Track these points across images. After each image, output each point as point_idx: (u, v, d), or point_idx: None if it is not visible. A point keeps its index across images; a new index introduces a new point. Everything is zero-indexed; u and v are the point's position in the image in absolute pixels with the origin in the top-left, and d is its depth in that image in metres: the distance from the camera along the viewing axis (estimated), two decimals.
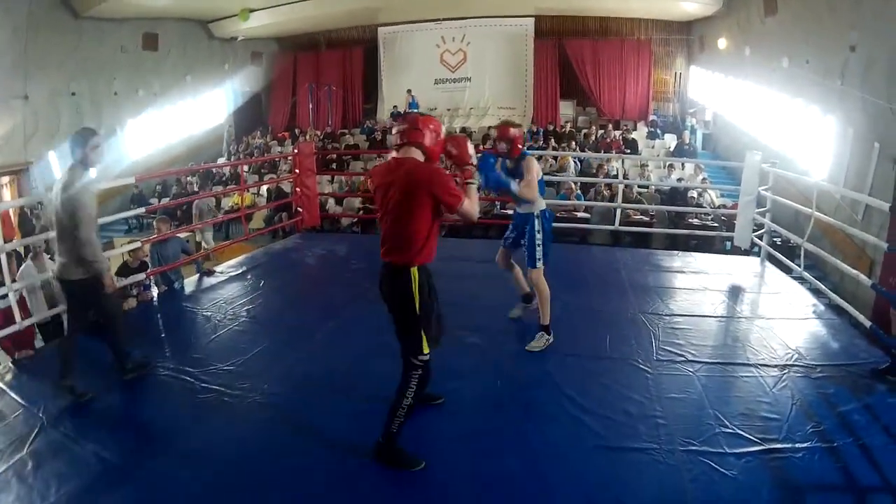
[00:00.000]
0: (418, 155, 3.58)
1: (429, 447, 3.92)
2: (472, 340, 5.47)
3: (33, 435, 4.19)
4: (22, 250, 8.25)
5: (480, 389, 4.72)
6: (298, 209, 9.80)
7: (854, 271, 6.19)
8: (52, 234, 4.69)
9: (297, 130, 21.83)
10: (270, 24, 20.06)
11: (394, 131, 3.68)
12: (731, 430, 4.19)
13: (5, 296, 5.50)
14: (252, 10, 19.01)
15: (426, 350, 3.61)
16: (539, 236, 5.28)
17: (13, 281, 5.75)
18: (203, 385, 4.76)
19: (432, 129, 3.62)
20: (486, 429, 4.21)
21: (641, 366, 5.16)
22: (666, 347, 5.51)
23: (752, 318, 6.37)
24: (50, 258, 6.26)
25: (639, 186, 12.99)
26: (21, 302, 5.81)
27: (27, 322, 5.63)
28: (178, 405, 4.53)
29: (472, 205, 3.59)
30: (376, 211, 3.69)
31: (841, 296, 6.46)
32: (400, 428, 3.67)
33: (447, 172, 3.69)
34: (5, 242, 8.83)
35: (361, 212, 13.57)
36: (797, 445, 4.03)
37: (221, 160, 19.92)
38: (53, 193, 4.46)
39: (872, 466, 3.85)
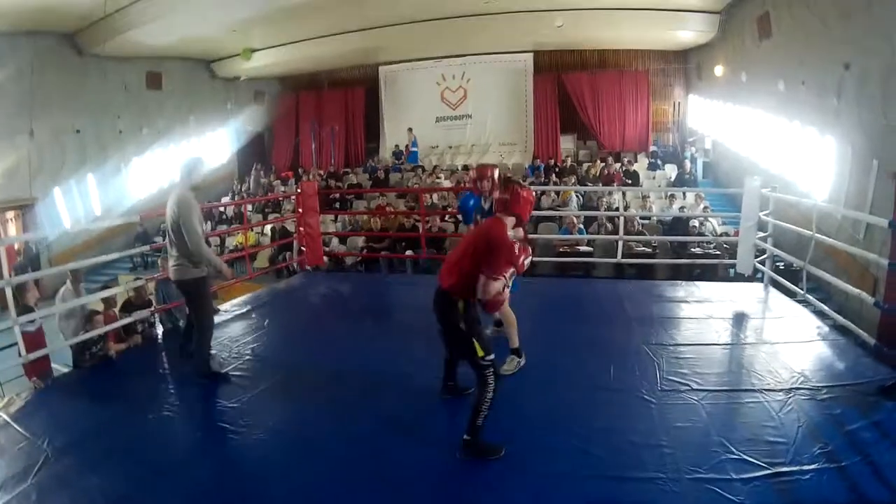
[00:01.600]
0: (510, 222, 4.35)
1: (430, 480, 4.05)
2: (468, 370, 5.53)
3: (37, 467, 4.28)
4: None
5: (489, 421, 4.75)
6: (302, 248, 9.93)
7: (857, 290, 6.26)
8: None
9: (300, 170, 22.06)
10: (272, 63, 20.39)
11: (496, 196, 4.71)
12: (737, 456, 4.21)
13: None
14: (254, 50, 19.38)
15: (480, 354, 4.22)
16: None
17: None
18: (208, 422, 4.91)
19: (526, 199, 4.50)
20: (490, 459, 4.28)
21: (646, 396, 5.20)
22: (670, 377, 5.54)
23: (757, 343, 6.41)
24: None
25: (641, 218, 13.03)
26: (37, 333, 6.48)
27: (43, 351, 6.10)
28: (183, 441, 4.66)
29: (489, 287, 4.13)
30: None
31: (847, 316, 6.47)
32: (483, 423, 4.22)
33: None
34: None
35: (365, 251, 13.67)
36: (804, 468, 4.05)
37: (226, 199, 20.12)
38: (168, 209, 5.47)
39: (882, 483, 3.87)
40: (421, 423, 4.86)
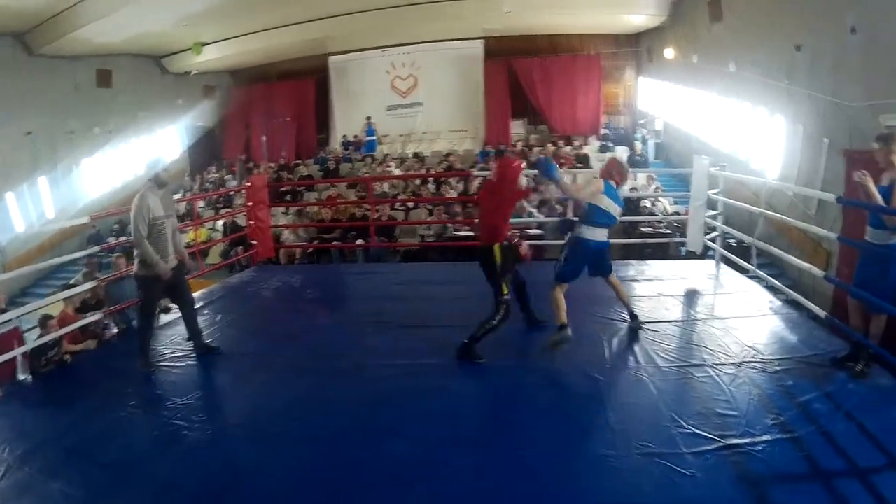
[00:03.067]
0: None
1: (388, 471, 4.00)
2: (424, 360, 5.61)
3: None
4: None
5: (439, 407, 4.79)
6: (253, 242, 9.87)
7: (806, 265, 6.31)
8: None
9: (251, 163, 21.77)
10: (222, 57, 20.18)
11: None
12: (688, 430, 4.20)
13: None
14: (204, 44, 19.09)
15: (504, 292, 5.49)
16: (561, 255, 5.96)
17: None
18: (164, 420, 4.82)
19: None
20: (444, 445, 4.26)
21: (595, 374, 5.18)
22: (619, 354, 5.57)
23: (707, 319, 6.42)
24: None
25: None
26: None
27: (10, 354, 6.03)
28: (140, 441, 4.58)
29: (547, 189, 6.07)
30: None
31: (801, 290, 6.53)
32: (482, 338, 5.45)
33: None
34: None
35: (316, 241, 13.49)
36: (757, 439, 4.05)
37: (177, 196, 19.63)
38: None
39: (836, 452, 3.88)
40: (378, 412, 4.80)
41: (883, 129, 5.90)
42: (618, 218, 5.93)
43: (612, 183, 5.89)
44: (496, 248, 5.51)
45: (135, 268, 5.85)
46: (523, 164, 5.98)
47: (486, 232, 5.64)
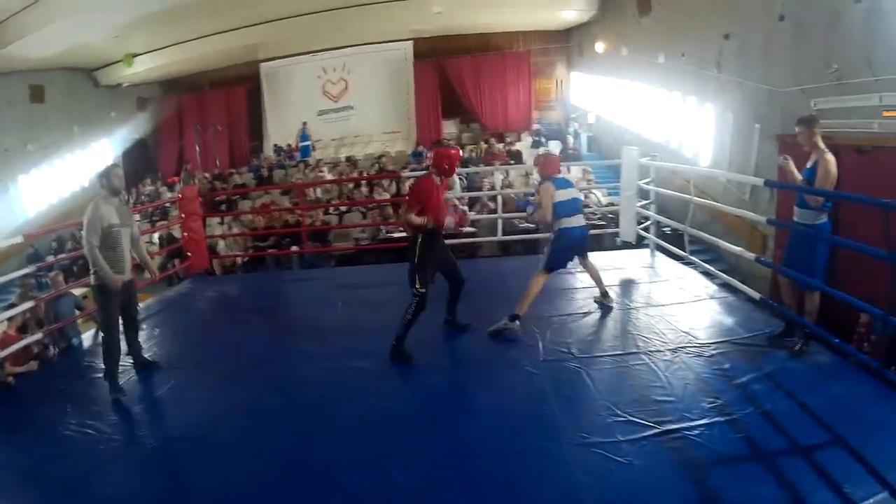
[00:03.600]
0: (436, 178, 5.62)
1: (316, 465, 4.03)
2: (360, 364, 5.53)
3: None
4: None
5: (375, 409, 4.75)
6: (188, 254, 9.68)
7: (738, 248, 6.34)
8: None
9: (188, 168, 21.10)
10: (154, 68, 19.78)
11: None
12: (623, 418, 4.16)
13: None
14: (135, 55, 18.66)
15: (416, 285, 5.43)
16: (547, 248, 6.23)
17: None
18: (105, 436, 4.72)
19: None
20: (373, 445, 4.24)
21: (528, 367, 5.15)
22: (553, 347, 5.49)
23: (642, 307, 6.40)
24: None
25: (524, 195, 12.94)
26: None
27: None
28: (82, 459, 4.47)
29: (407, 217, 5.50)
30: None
31: (739, 274, 6.60)
32: (404, 334, 5.45)
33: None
34: None
35: (251, 250, 13.30)
36: (694, 423, 4.01)
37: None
38: None
39: (777, 432, 3.87)
40: (316, 417, 4.74)
41: (805, 113, 5.93)
42: (581, 196, 6.49)
43: (556, 175, 6.18)
44: (418, 241, 5.52)
45: (91, 279, 5.61)
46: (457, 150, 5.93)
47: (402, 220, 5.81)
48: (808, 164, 4.95)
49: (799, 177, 5.00)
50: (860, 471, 3.37)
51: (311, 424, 4.61)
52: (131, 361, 5.91)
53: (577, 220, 6.10)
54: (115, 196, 5.71)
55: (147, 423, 5.01)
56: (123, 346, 5.75)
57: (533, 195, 6.54)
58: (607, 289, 6.50)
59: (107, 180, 5.66)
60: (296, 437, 4.42)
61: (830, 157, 4.84)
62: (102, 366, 5.58)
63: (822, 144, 4.92)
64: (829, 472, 3.37)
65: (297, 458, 4.15)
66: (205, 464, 4.21)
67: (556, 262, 6.12)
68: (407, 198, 5.78)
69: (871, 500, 3.16)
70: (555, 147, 18.04)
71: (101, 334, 5.81)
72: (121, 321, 5.72)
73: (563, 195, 6.02)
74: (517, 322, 5.78)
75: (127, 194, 20.07)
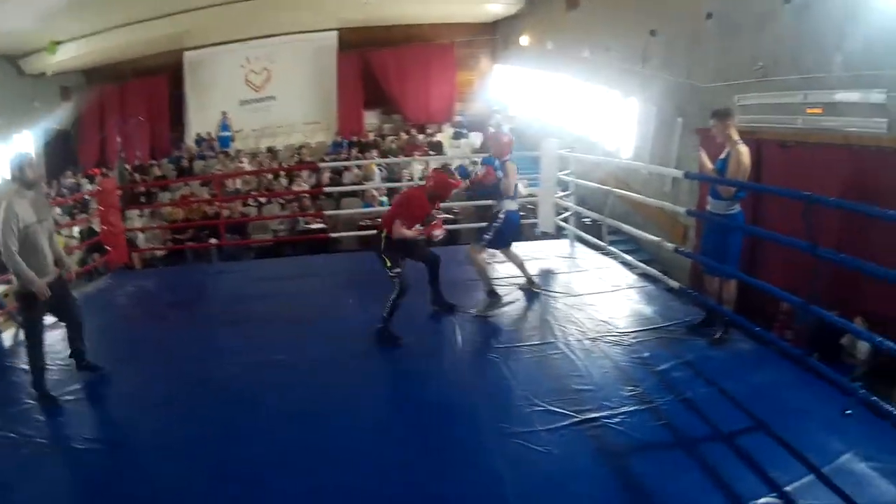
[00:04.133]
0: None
1: (248, 463, 3.89)
2: (279, 358, 5.40)
3: None
4: None
5: (285, 403, 4.65)
6: (107, 248, 9.36)
7: (656, 238, 6.44)
8: None
9: (104, 168, 20.27)
10: (78, 56, 19.01)
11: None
12: (542, 408, 4.10)
13: None
14: (59, 43, 17.91)
15: (388, 265, 5.54)
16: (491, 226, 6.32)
17: None
18: (26, 438, 4.49)
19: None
20: (289, 439, 4.15)
21: (445, 360, 5.12)
22: (470, 338, 5.45)
23: (561, 297, 6.33)
24: None
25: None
26: None
27: None
28: (2, 463, 4.28)
29: (398, 228, 5.56)
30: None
31: (660, 264, 6.67)
32: (389, 315, 5.47)
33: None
34: None
35: (170, 243, 12.90)
36: (614, 411, 3.98)
37: None
38: None
39: (698, 418, 3.86)
40: (235, 412, 4.59)
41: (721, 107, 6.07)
42: None
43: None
44: (383, 234, 5.67)
45: (14, 284, 5.12)
46: (459, 182, 6.26)
47: (385, 221, 5.79)
48: (721, 156, 5.03)
49: (710, 166, 5.12)
50: (785, 456, 3.37)
51: (230, 421, 4.44)
52: (72, 362, 5.46)
53: (516, 206, 6.34)
54: (30, 189, 5.07)
55: (68, 424, 4.74)
56: (61, 347, 5.48)
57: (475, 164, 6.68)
58: (532, 275, 6.50)
59: (19, 172, 5.03)
60: (215, 435, 4.26)
61: (744, 149, 4.93)
62: (25, 367, 5.20)
63: (735, 136, 5.01)
64: (754, 458, 3.36)
65: (217, 457, 4.01)
66: (125, 466, 4.04)
67: (496, 243, 6.32)
68: (398, 207, 5.84)
69: (798, 483, 3.15)
70: (476, 139, 18.24)
71: (25, 341, 5.18)
72: (58, 321, 5.39)
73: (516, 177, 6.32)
74: (500, 295, 6.08)
75: (47, 186, 19.46)
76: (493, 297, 6.02)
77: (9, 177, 5.07)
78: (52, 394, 5.03)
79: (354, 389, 4.83)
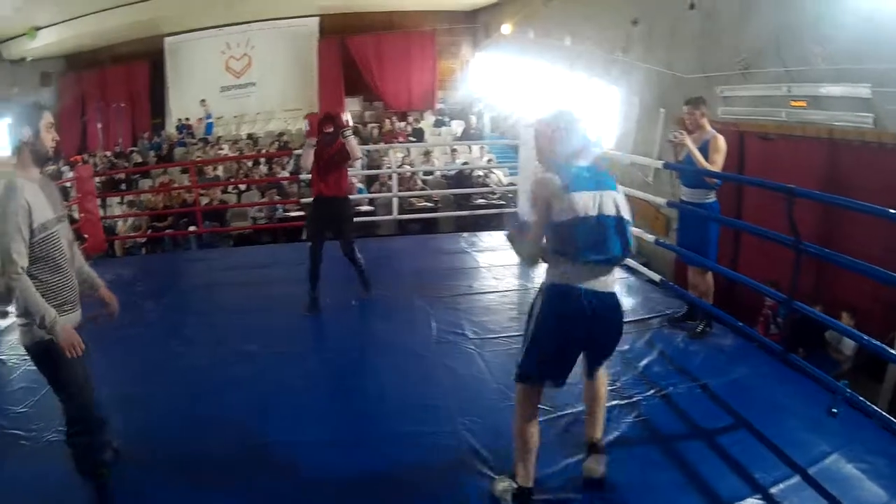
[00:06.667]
0: None
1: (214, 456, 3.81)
2: (250, 348, 5.28)
3: None
4: None
5: (256, 396, 4.53)
6: (85, 236, 9.29)
7: (637, 230, 6.21)
8: None
9: (86, 154, 20.10)
10: (58, 41, 18.91)
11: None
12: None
13: None
14: (38, 28, 17.81)
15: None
16: None
17: None
18: (2, 428, 4.44)
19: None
20: (258, 432, 4.06)
21: (419, 351, 5.02)
22: (446, 328, 5.36)
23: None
24: None
25: (424, 174, 13.20)
26: None
27: None
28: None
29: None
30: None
31: (642, 256, 6.64)
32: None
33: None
34: None
35: (149, 230, 12.83)
36: None
37: None
38: None
39: (676, 414, 3.81)
40: (198, 403, 4.50)
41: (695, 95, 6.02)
42: None
43: None
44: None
45: (21, 335, 3.19)
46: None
47: (339, 184, 6.08)
48: (698, 145, 4.96)
49: (696, 151, 4.94)
50: (768, 455, 3.32)
51: (198, 412, 4.36)
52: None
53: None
54: (40, 167, 3.31)
55: (36, 417, 4.56)
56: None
57: None
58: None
59: (34, 138, 3.20)
60: (183, 426, 4.18)
61: (720, 136, 4.93)
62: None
63: (708, 126, 5.02)
64: (736, 457, 3.30)
65: (186, 449, 3.91)
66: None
67: None
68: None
69: (784, 485, 3.08)
70: (457, 127, 18.35)
71: (67, 420, 3.36)
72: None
73: None
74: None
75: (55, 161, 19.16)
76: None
77: (9, 145, 3.25)
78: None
79: (322, 381, 4.79)
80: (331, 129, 6.01)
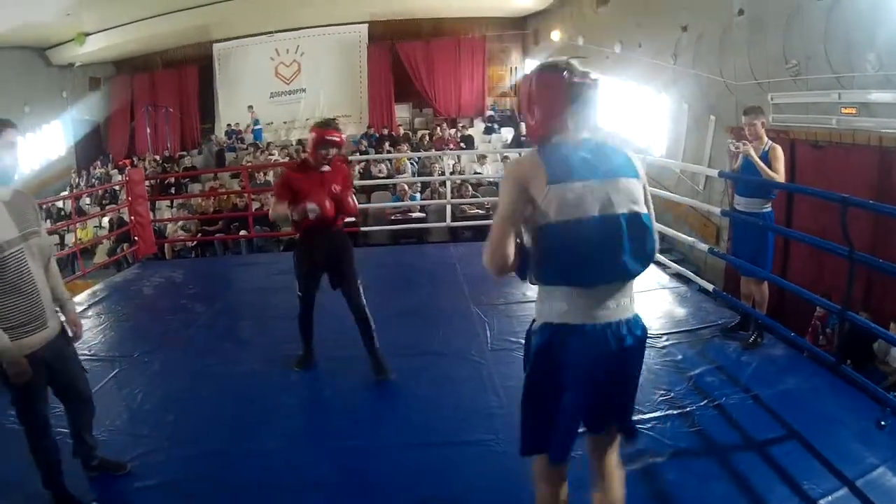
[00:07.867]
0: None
1: (260, 459, 3.85)
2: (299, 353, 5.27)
3: None
4: None
5: (304, 397, 4.71)
6: (135, 238, 9.55)
7: (691, 239, 6.30)
8: None
9: (135, 157, 20.73)
10: (107, 47, 19.25)
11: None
12: None
13: None
14: (87, 34, 18.09)
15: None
16: None
17: None
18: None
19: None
20: (310, 434, 4.20)
21: (475, 358, 5.04)
22: (501, 336, 5.40)
23: None
24: None
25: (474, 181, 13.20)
26: None
27: None
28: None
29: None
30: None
31: (693, 265, 6.53)
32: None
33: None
34: None
35: (200, 234, 13.14)
36: (645, 416, 3.92)
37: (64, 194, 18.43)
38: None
39: (730, 425, 3.81)
40: (246, 408, 4.55)
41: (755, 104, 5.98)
42: None
43: None
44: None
45: None
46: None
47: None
48: (758, 155, 4.94)
49: (760, 161, 4.89)
50: (817, 466, 3.33)
51: (246, 414, 4.43)
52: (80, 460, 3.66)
53: None
54: (3, 186, 3.09)
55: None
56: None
57: None
58: None
59: None
60: (223, 430, 4.24)
61: (778, 146, 4.90)
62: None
63: (765, 136, 4.99)
64: (786, 468, 3.32)
65: (230, 450, 3.99)
66: (145, 456, 3.93)
67: None
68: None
69: (832, 497, 3.10)
70: (507, 134, 18.33)
71: (24, 432, 3.27)
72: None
73: None
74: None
75: (77, 177, 19.83)
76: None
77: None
78: (71, 493, 3.38)
79: (374, 387, 4.77)
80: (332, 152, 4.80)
